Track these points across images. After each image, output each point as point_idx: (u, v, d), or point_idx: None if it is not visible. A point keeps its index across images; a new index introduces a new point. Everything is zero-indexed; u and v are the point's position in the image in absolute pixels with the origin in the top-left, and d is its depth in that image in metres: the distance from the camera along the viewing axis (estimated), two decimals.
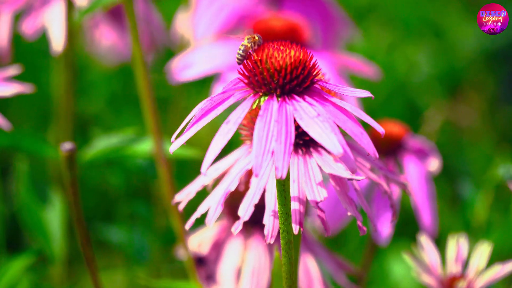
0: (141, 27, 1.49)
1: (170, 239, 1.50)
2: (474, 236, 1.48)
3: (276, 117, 0.86)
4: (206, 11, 1.52)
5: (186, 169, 1.86)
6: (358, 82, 1.95)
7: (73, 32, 1.32)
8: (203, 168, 0.85)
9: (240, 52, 0.91)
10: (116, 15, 1.51)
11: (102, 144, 1.30)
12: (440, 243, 1.61)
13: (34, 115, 2.09)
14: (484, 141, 2.29)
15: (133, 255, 1.48)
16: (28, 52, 2.02)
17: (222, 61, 1.37)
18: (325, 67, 1.38)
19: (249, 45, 0.91)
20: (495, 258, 1.64)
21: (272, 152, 0.84)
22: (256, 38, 0.92)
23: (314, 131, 0.85)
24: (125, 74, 2.26)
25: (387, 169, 1.02)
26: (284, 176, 0.84)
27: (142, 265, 1.52)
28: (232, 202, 1.17)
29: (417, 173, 1.36)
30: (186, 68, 1.38)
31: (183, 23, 1.59)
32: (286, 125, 0.85)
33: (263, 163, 0.84)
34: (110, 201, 1.48)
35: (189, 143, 1.11)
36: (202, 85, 2.05)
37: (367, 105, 2.33)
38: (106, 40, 1.63)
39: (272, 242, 0.95)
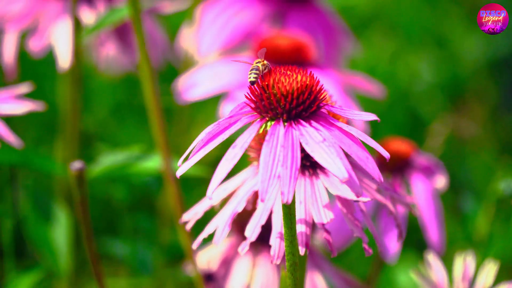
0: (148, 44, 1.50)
1: (175, 253, 1.51)
2: (476, 249, 1.49)
3: (283, 142, 0.87)
4: (210, 27, 1.53)
5: (193, 183, 1.87)
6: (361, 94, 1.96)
7: (79, 49, 1.33)
8: (209, 192, 0.87)
9: (253, 73, 0.91)
10: (119, 29, 1.52)
11: (108, 161, 1.30)
12: (447, 251, 1.62)
13: (39, 127, 2.09)
14: (486, 151, 2.30)
15: (137, 267, 1.49)
16: (34, 65, 2.03)
17: (228, 80, 1.38)
18: (331, 85, 1.38)
19: (261, 66, 0.92)
20: (498, 271, 1.65)
21: (278, 176, 0.85)
22: (265, 63, 0.93)
23: (319, 156, 0.86)
24: (129, 83, 2.27)
25: (393, 190, 1.03)
26: (290, 201, 0.85)
27: (146, 278, 1.53)
28: (241, 219, 1.18)
29: (424, 191, 1.37)
30: (192, 87, 1.39)
31: (187, 38, 1.60)
32: (292, 150, 0.86)
33: (269, 188, 0.85)
34: (114, 214, 1.48)
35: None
36: None
37: None
38: (110, 52, 1.64)
39: (278, 263, 0.96)
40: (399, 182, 1.38)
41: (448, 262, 1.28)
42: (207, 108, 2.14)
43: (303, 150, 0.91)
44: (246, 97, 0.90)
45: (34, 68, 2.10)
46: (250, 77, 0.91)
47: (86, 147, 1.77)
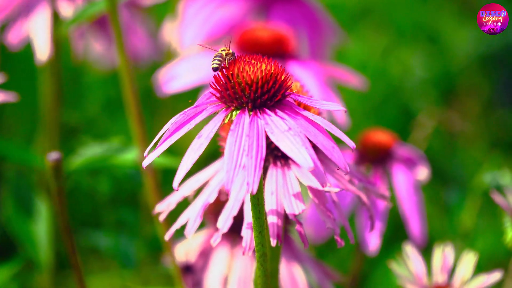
0: (127, 37, 1.50)
1: (157, 245, 1.51)
2: (462, 242, 1.49)
3: (248, 131, 0.86)
4: (193, 20, 1.52)
5: (172, 176, 1.86)
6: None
7: (58, 42, 1.33)
8: (175, 183, 0.87)
9: (216, 60, 0.91)
10: (102, 23, 1.52)
11: (88, 153, 1.31)
12: (430, 248, 1.62)
13: (24, 121, 2.10)
14: (477, 145, 2.29)
15: (120, 260, 1.49)
16: (17, 58, 2.03)
17: (207, 72, 1.38)
18: (311, 77, 1.38)
19: (224, 54, 0.92)
20: (483, 264, 1.65)
21: (244, 166, 0.85)
22: (230, 51, 0.93)
23: (284, 145, 0.85)
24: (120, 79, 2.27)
25: (368, 181, 1.03)
26: (254, 191, 0.84)
27: (131, 270, 1.53)
28: (218, 209, 1.18)
29: (406, 182, 1.37)
30: (172, 79, 1.39)
31: (170, 31, 1.60)
32: (258, 139, 0.86)
33: (234, 178, 0.84)
34: (98, 207, 1.49)
35: (171, 151, 1.12)
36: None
37: (361, 109, 2.33)
38: (97, 47, 1.64)
39: (250, 254, 0.96)
40: (380, 173, 1.38)
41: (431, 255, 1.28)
42: (192, 99, 2.13)
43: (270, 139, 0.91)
44: (211, 86, 0.90)
45: (19, 66, 2.10)
46: (213, 64, 0.90)
47: (70, 139, 1.77)
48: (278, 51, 1.39)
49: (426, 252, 1.53)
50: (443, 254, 1.19)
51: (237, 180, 0.87)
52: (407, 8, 2.54)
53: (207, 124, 0.88)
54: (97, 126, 2.20)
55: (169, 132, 0.90)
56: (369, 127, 2.31)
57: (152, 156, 0.90)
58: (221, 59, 0.91)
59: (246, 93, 0.88)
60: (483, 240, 1.72)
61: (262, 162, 0.85)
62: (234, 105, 0.89)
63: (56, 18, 1.33)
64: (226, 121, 0.89)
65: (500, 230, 1.33)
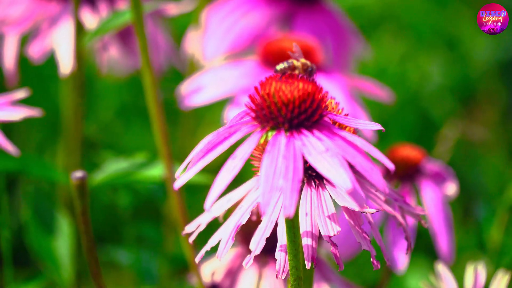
0: (151, 49, 1.48)
1: (179, 263, 1.48)
2: (489, 258, 1.47)
3: (284, 153, 0.84)
4: (216, 30, 1.50)
5: (198, 192, 1.84)
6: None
7: (81, 54, 1.30)
8: (207, 205, 0.84)
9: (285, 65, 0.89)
10: (122, 31, 1.49)
11: (111, 169, 1.28)
12: (457, 259, 1.59)
13: (45, 130, 2.08)
14: (497, 154, 2.27)
15: (141, 276, 1.47)
16: (39, 68, 2.01)
17: (233, 85, 1.35)
18: (337, 90, 1.36)
19: (295, 63, 0.90)
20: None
21: (280, 189, 0.83)
22: (308, 63, 0.91)
23: (322, 167, 0.83)
24: (135, 84, 2.25)
25: (403, 201, 1.00)
26: (292, 215, 0.82)
27: (152, 286, 1.51)
28: (246, 229, 1.15)
29: (434, 198, 1.35)
30: (196, 92, 1.36)
31: (193, 42, 1.57)
32: (294, 161, 0.83)
33: (270, 201, 0.82)
34: (119, 221, 1.46)
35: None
36: None
37: (380, 116, 2.31)
38: (113, 55, 1.61)
39: (283, 277, 0.94)
40: (408, 190, 1.35)
41: (459, 270, 1.25)
42: (214, 108, 2.12)
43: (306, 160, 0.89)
44: (247, 106, 0.88)
45: (39, 71, 2.08)
46: (280, 66, 0.88)
47: (90, 153, 1.75)
48: None
49: (454, 266, 1.51)
50: (475, 272, 1.17)
51: (273, 201, 0.84)
52: (426, 13, 2.52)
53: (241, 145, 0.85)
54: (112, 133, 2.18)
55: (202, 153, 0.87)
56: (387, 134, 2.30)
57: (185, 178, 0.87)
58: (289, 66, 0.89)
59: (283, 113, 0.86)
60: (510, 256, 1.70)
61: (299, 185, 0.83)
62: (270, 125, 0.86)
63: (79, 29, 1.30)
64: (262, 141, 0.86)
65: None
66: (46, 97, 2.09)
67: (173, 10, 1.48)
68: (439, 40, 2.51)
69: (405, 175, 1.36)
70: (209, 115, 2.15)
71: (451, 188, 1.38)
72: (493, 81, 2.48)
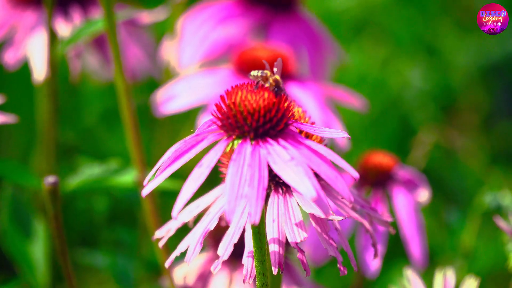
0: (125, 57, 1.49)
1: (154, 266, 1.49)
2: (462, 261, 1.48)
3: (249, 161, 0.85)
4: (191, 39, 1.51)
5: (171, 196, 1.85)
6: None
7: (55, 62, 1.31)
8: (174, 213, 0.85)
9: (259, 74, 0.90)
10: (98, 41, 1.50)
11: (85, 174, 1.29)
12: (432, 265, 1.61)
13: (21, 139, 2.08)
14: (478, 157, 2.28)
15: (118, 279, 1.47)
16: (13, 77, 2.02)
17: (207, 93, 1.36)
18: (310, 98, 1.37)
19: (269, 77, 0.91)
20: (483, 285, 1.63)
21: (246, 196, 0.84)
22: (278, 78, 0.91)
23: (287, 175, 0.84)
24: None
25: (370, 207, 1.01)
26: (257, 222, 0.83)
27: None
28: (217, 233, 1.16)
29: (406, 205, 1.36)
30: (170, 99, 1.37)
31: (169, 50, 1.58)
32: (260, 169, 0.85)
33: (236, 209, 0.83)
34: (95, 226, 1.47)
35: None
36: None
37: (360, 122, 2.32)
38: (92, 61, 1.62)
39: (250, 283, 0.95)
40: (380, 196, 1.37)
41: (436, 270, 1.27)
42: (195, 115, 2.12)
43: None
44: (213, 114, 0.89)
45: (14, 78, 2.09)
46: (254, 72, 0.89)
47: (69, 158, 1.76)
48: None
49: (428, 269, 1.52)
50: (444, 278, 1.18)
51: (239, 208, 0.85)
52: (406, 20, 2.53)
53: (208, 153, 0.87)
54: (95, 138, 2.18)
55: (170, 161, 0.89)
56: (368, 139, 2.31)
57: (152, 185, 0.88)
58: (262, 76, 0.90)
59: (248, 122, 0.87)
60: (483, 260, 1.71)
61: (264, 193, 0.84)
62: (235, 134, 0.88)
63: (53, 37, 1.31)
64: (228, 150, 0.87)
65: (500, 250, 1.32)
66: (28, 102, 2.10)
67: (146, 18, 1.49)
68: (420, 46, 2.52)
69: (377, 181, 1.37)
70: (190, 121, 2.16)
71: (423, 195, 1.39)
72: (474, 87, 2.49)
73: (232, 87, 0.89)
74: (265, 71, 0.93)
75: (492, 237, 1.75)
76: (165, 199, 1.61)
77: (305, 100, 1.35)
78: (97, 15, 1.44)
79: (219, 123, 0.89)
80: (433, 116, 2.38)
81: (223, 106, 0.88)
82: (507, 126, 2.43)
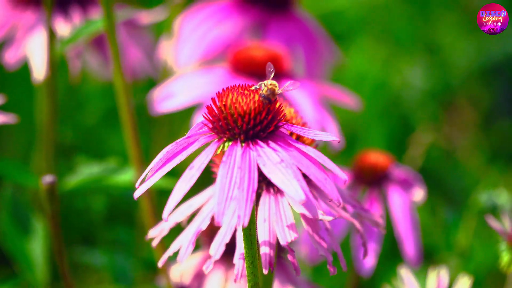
0: (124, 57, 1.50)
1: (152, 265, 1.50)
2: (458, 260, 1.49)
3: (240, 163, 0.86)
4: (189, 38, 1.52)
5: (168, 195, 1.86)
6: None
7: (54, 61, 1.33)
8: (165, 214, 0.86)
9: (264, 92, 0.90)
10: (98, 41, 1.52)
11: (83, 173, 1.30)
12: (428, 262, 1.61)
13: (22, 139, 2.09)
14: (477, 156, 2.29)
15: (116, 277, 1.49)
16: (14, 76, 2.03)
17: (203, 92, 1.37)
18: (305, 98, 1.38)
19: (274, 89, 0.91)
20: (477, 284, 1.64)
21: (235, 198, 0.85)
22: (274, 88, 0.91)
23: (276, 178, 0.85)
24: None
25: (361, 207, 1.02)
26: (246, 224, 0.84)
27: (126, 286, 1.53)
28: (213, 232, 1.17)
29: (401, 204, 1.37)
30: (167, 98, 1.38)
31: (166, 49, 1.59)
32: (250, 172, 0.86)
33: (225, 211, 0.84)
34: (93, 225, 1.49)
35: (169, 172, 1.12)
36: None
37: (360, 121, 2.33)
38: (92, 61, 1.64)
39: (241, 282, 0.96)
40: (376, 195, 1.38)
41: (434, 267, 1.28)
42: (192, 114, 2.13)
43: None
44: (204, 117, 0.90)
45: (15, 77, 2.10)
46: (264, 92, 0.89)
47: (69, 157, 1.77)
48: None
49: (424, 267, 1.53)
50: (438, 276, 1.19)
51: (229, 210, 0.86)
52: (407, 18, 2.53)
53: (199, 155, 0.88)
54: (95, 137, 2.19)
55: (162, 162, 0.90)
56: (368, 138, 2.32)
57: (144, 187, 0.90)
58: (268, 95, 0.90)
59: (239, 124, 0.88)
60: (479, 259, 1.72)
61: (254, 195, 0.85)
62: (226, 136, 0.89)
63: (53, 37, 1.32)
64: (218, 152, 0.88)
65: (494, 249, 1.33)
66: (28, 102, 2.11)
67: (145, 18, 1.50)
68: (421, 45, 2.53)
69: (372, 181, 1.38)
70: (188, 121, 2.17)
71: (419, 194, 1.40)
72: (474, 85, 2.49)
73: (223, 89, 0.90)
74: (263, 82, 0.92)
75: (488, 236, 1.76)
76: (163, 198, 1.63)
77: (299, 99, 1.36)
78: (97, 15, 1.45)
79: (210, 125, 0.90)
80: (433, 115, 2.38)
81: (214, 108, 0.89)
82: (507, 125, 2.43)
